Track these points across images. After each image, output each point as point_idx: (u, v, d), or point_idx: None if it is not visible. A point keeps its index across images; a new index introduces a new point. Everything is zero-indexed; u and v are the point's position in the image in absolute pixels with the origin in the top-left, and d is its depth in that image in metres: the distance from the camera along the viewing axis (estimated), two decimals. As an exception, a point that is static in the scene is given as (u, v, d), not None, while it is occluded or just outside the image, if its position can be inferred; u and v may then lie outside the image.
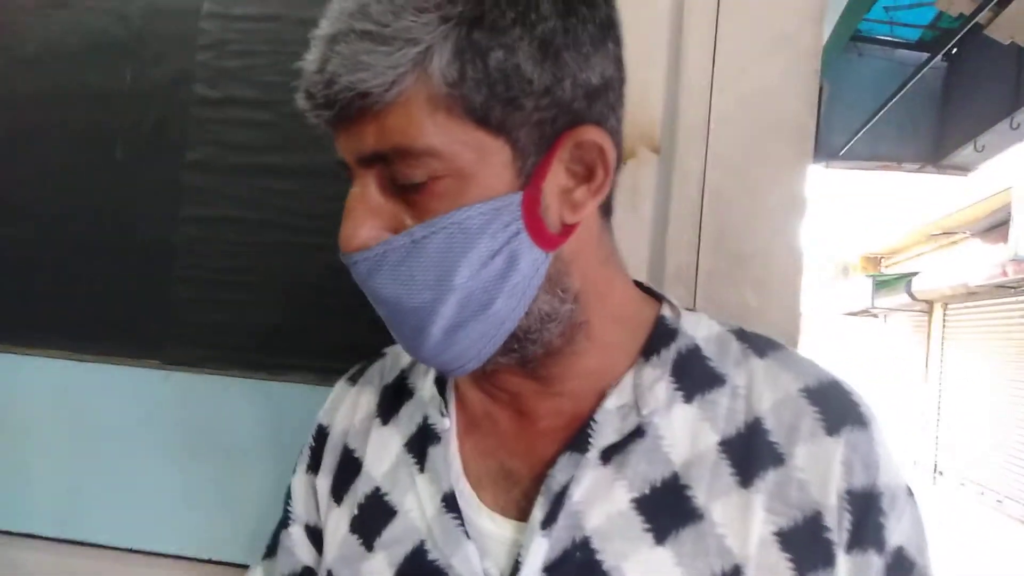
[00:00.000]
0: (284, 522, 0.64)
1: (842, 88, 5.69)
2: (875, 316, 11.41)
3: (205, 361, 1.08)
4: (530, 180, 0.45)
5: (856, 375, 11.50)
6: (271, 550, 0.66)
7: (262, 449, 0.98)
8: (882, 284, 9.82)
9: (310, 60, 0.45)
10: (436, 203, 0.44)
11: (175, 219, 1.10)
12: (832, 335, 12.46)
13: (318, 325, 1.12)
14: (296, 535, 0.63)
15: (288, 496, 0.65)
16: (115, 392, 1.10)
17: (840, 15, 3.56)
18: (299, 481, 0.64)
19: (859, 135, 5.70)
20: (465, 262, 0.44)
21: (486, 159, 0.44)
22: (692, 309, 0.56)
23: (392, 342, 0.62)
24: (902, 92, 5.12)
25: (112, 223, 1.12)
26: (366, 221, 0.46)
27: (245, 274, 1.08)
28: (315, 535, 0.62)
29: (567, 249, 0.48)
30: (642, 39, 0.79)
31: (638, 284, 0.58)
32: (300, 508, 0.63)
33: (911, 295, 8.66)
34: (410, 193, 0.45)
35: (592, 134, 0.46)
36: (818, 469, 0.48)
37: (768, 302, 0.76)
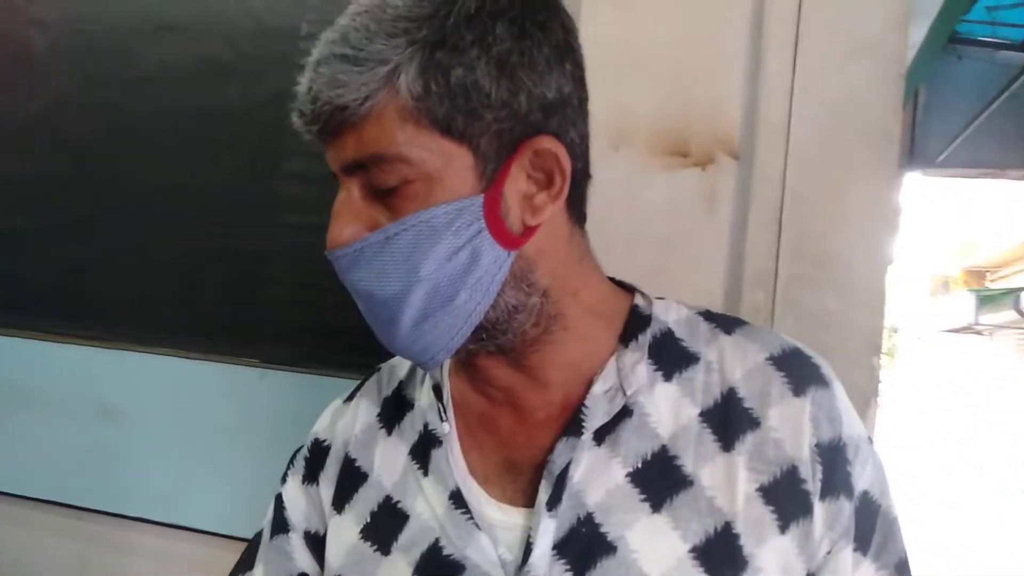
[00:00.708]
0: (276, 530, 0.65)
1: (940, 92, 5.43)
2: (979, 333, 10.78)
3: (300, 361, 1.15)
4: (491, 184, 0.49)
5: (957, 395, 10.85)
6: (244, 565, 0.67)
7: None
8: (987, 300, 9.29)
9: (301, 83, 0.51)
10: (408, 204, 0.49)
11: (273, 226, 1.18)
12: (931, 351, 11.81)
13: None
14: (295, 542, 0.64)
15: (279, 505, 0.66)
16: (216, 388, 1.17)
17: (936, 16, 3.40)
18: (293, 490, 0.66)
19: (958, 141, 5.42)
20: (431, 256, 0.49)
21: (451, 164, 0.48)
22: (662, 298, 0.60)
23: (387, 357, 0.66)
24: (1006, 95, 4.85)
25: (217, 231, 1.21)
26: (349, 223, 0.51)
27: (337, 278, 1.14)
28: (315, 542, 0.63)
29: (531, 248, 0.52)
30: (717, 47, 0.80)
31: (610, 279, 0.62)
32: (298, 516, 0.65)
33: (1020, 311, 8.16)
34: (386, 197, 0.50)
35: (548, 143, 0.50)
36: (790, 427, 0.52)
37: (851, 309, 0.75)
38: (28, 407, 1.26)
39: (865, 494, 0.53)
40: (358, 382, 0.69)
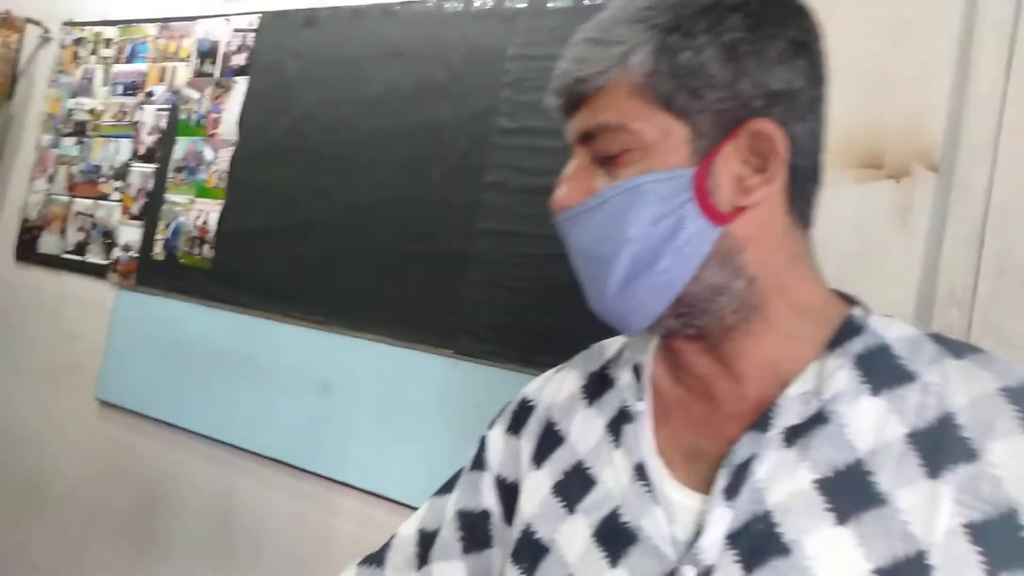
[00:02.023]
0: (475, 466, 0.71)
1: None
2: None
3: (488, 355, 1.25)
4: (703, 159, 0.52)
5: None
6: (447, 488, 0.73)
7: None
8: None
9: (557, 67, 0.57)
10: (625, 171, 0.53)
11: (473, 232, 1.29)
12: None
13: (588, 331, 1.21)
14: (487, 481, 0.69)
15: (482, 447, 0.72)
16: (416, 373, 1.30)
17: None
18: (497, 437, 0.71)
19: None
20: (639, 218, 0.52)
21: (668, 137, 0.52)
22: (890, 316, 0.57)
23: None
24: None
25: (424, 235, 1.34)
26: (573, 187, 0.55)
27: (528, 281, 1.23)
28: (504, 489, 0.68)
29: (740, 231, 0.53)
30: (921, 57, 0.77)
31: (833, 290, 0.60)
32: (495, 460, 0.70)
33: None
34: (608, 164, 0.54)
35: (766, 126, 0.52)
36: (1014, 466, 0.48)
37: (1066, 336, 0.69)
38: (263, 378, 1.48)
39: None
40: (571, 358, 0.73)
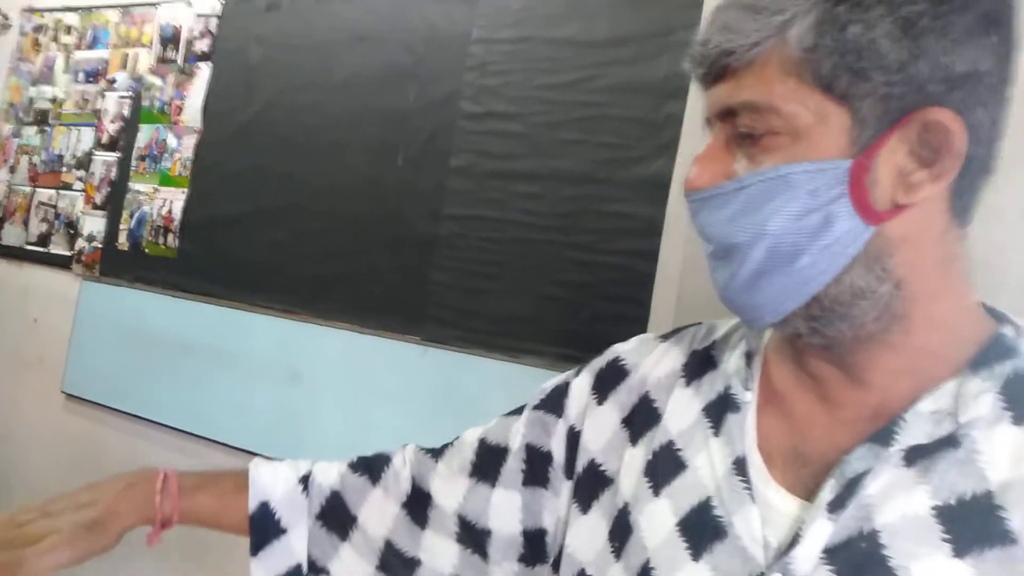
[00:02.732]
0: (551, 408, 0.66)
1: None
2: None
3: (456, 340, 1.24)
4: (864, 151, 0.46)
5: None
6: (518, 412, 0.70)
7: (491, 418, 1.10)
8: None
9: (699, 31, 0.50)
10: (769, 157, 0.48)
11: (439, 217, 1.28)
12: None
13: (554, 315, 1.22)
14: (560, 428, 0.65)
15: (564, 392, 0.67)
16: (384, 360, 1.30)
17: None
18: (582, 390, 0.66)
19: None
20: (782, 212, 0.47)
21: (824, 123, 0.46)
22: None
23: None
24: None
25: (391, 219, 1.33)
26: (708, 167, 0.50)
27: (494, 266, 1.22)
28: (572, 441, 0.64)
29: (895, 230, 0.48)
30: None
31: (981, 304, 0.55)
32: (574, 412, 0.65)
33: None
34: (749, 147, 0.49)
35: (943, 116, 0.46)
36: None
37: None
38: (231, 367, 1.47)
39: None
40: (678, 327, 0.68)
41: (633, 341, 0.68)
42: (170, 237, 1.59)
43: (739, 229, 0.49)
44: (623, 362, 0.66)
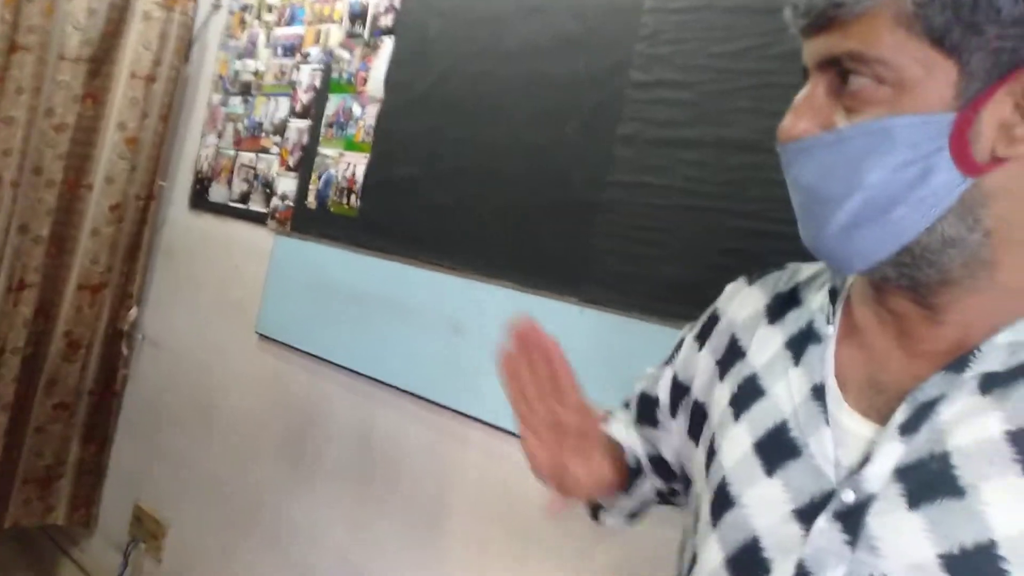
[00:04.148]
0: (669, 360, 0.79)
1: None
2: None
3: (613, 303, 1.28)
4: (969, 103, 0.46)
5: None
6: (671, 357, 0.80)
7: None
8: None
9: None
10: (869, 108, 0.48)
11: (604, 183, 1.32)
12: None
13: (717, 283, 1.22)
14: (666, 375, 0.76)
15: (679, 345, 0.78)
16: (541, 318, 1.35)
17: None
18: (689, 342, 0.74)
19: None
20: (881, 164, 0.47)
21: (931, 76, 0.46)
22: None
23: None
24: None
25: (556, 185, 1.39)
26: (804, 116, 0.51)
27: (656, 232, 1.25)
28: (676, 386, 0.74)
29: (992, 183, 0.48)
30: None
31: None
32: (680, 361, 0.74)
33: None
34: (849, 98, 0.49)
35: None
36: None
37: None
38: (401, 318, 1.60)
39: None
40: (765, 268, 0.72)
41: (730, 288, 0.73)
42: (352, 198, 1.75)
43: (836, 180, 0.49)
44: (716, 309, 0.72)
